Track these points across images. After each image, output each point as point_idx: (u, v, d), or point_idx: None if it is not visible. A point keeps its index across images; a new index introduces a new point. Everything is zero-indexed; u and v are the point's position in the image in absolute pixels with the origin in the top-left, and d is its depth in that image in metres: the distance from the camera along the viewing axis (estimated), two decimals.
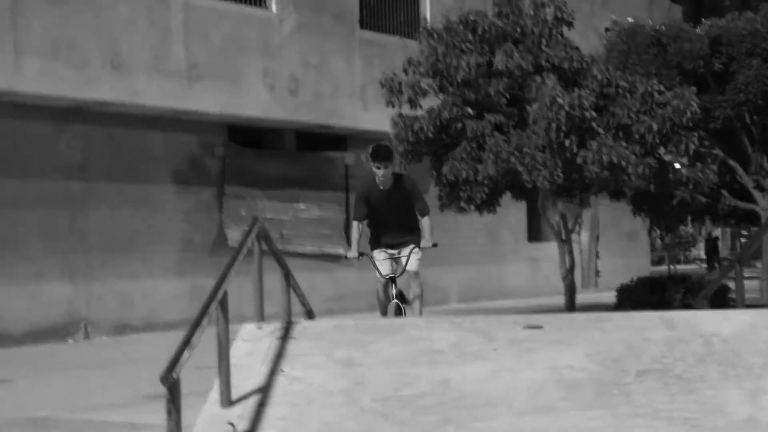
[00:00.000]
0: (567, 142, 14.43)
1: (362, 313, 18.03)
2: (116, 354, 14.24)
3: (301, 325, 7.51)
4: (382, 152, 9.49)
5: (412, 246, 9.67)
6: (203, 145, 18.59)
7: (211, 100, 17.56)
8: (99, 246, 16.66)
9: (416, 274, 9.78)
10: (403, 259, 9.65)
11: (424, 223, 9.70)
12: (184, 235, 18.10)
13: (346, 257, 9.95)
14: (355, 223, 9.76)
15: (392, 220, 9.68)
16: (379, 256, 9.72)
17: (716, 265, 40.90)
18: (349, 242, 10.02)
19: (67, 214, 16.33)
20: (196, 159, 18.47)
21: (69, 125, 16.39)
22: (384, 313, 9.65)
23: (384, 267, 9.68)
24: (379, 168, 9.40)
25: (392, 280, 9.61)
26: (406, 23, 22.06)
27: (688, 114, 14.86)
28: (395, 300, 9.53)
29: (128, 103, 16.47)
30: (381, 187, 9.51)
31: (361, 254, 9.62)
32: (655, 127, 14.75)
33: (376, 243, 9.82)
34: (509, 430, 5.91)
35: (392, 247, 9.73)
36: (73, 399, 9.76)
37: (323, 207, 20.54)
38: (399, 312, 9.52)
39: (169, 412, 5.34)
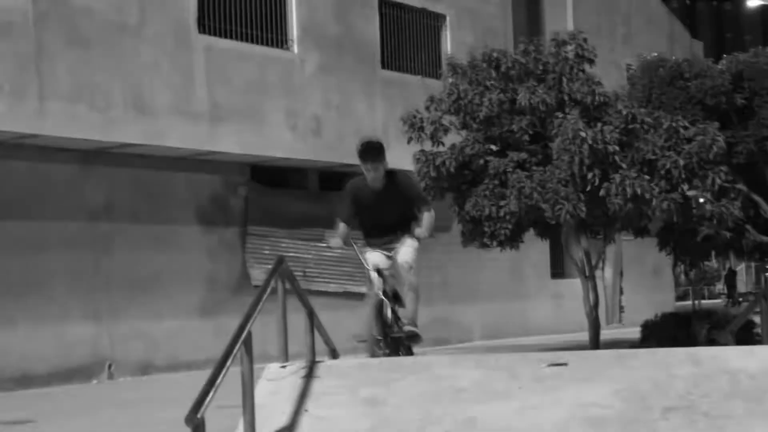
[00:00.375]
0: (590, 176, 14.42)
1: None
2: (140, 394, 14.25)
3: (325, 364, 7.52)
4: (372, 150, 8.50)
5: (405, 237, 8.67)
6: (227, 185, 18.68)
7: (233, 141, 17.66)
8: (123, 286, 16.72)
9: (410, 267, 8.61)
10: (398, 252, 8.59)
11: (425, 216, 8.70)
12: (208, 275, 18.15)
13: (328, 246, 8.90)
14: (341, 225, 8.74)
15: (385, 223, 8.68)
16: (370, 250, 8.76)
17: (733, 298, 40.82)
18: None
19: (92, 255, 16.41)
20: (219, 199, 18.56)
21: (93, 167, 16.51)
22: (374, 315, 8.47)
23: (373, 257, 8.64)
24: (369, 170, 8.45)
25: (380, 272, 8.51)
26: (427, 63, 22.19)
27: (714, 149, 14.84)
28: (380, 295, 8.45)
29: (152, 145, 16.59)
30: (372, 188, 8.55)
31: (346, 243, 8.65)
32: (681, 162, 14.71)
33: (366, 246, 8.87)
34: None
35: (386, 249, 8.72)
36: None
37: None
38: (380, 308, 8.46)
39: None
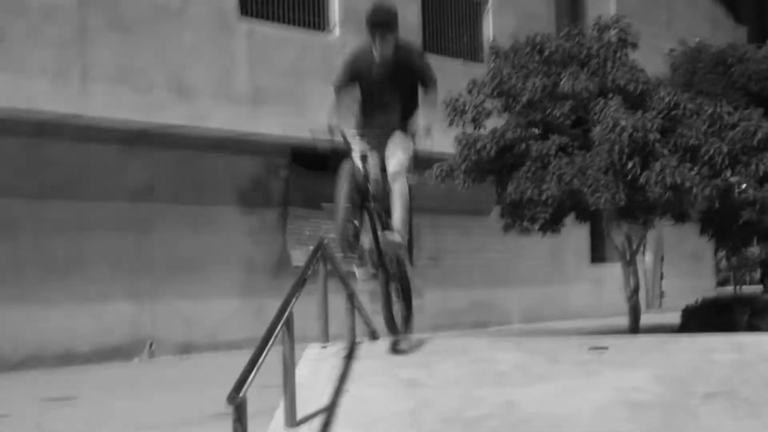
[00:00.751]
0: (629, 164, 14.34)
1: (425, 333, 18.02)
2: (181, 374, 14.39)
3: (366, 345, 7.55)
4: (384, 17, 7.25)
5: (399, 133, 7.35)
6: (267, 167, 18.76)
7: (275, 123, 17.72)
8: (164, 267, 16.87)
9: (398, 174, 7.24)
10: (390, 156, 7.30)
11: (428, 100, 7.36)
12: (249, 256, 18.25)
13: (314, 139, 7.30)
14: (332, 96, 7.43)
15: (384, 105, 7.42)
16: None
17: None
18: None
19: (133, 235, 16.56)
20: (260, 181, 18.64)
21: (135, 148, 16.64)
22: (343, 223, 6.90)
23: (362, 146, 7.41)
24: (378, 42, 7.17)
25: (365, 158, 7.27)
26: (468, 46, 22.13)
27: (759, 135, 14.73)
28: (358, 160, 7.18)
29: (193, 127, 16.70)
30: (377, 62, 7.26)
31: (331, 127, 7.24)
32: (725, 148, 14.60)
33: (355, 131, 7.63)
34: None
35: (376, 137, 7.45)
36: (139, 417, 9.88)
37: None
38: (355, 176, 7.13)
39: (239, 419, 5.39)
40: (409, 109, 7.39)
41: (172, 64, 16.33)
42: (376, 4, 7.43)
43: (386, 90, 7.32)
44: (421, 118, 7.30)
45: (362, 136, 7.50)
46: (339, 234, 6.87)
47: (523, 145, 15.34)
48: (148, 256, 16.73)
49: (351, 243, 7.02)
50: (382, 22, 7.20)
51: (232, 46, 17.30)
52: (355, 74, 7.36)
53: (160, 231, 16.91)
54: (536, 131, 15.52)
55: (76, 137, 15.83)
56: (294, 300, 6.45)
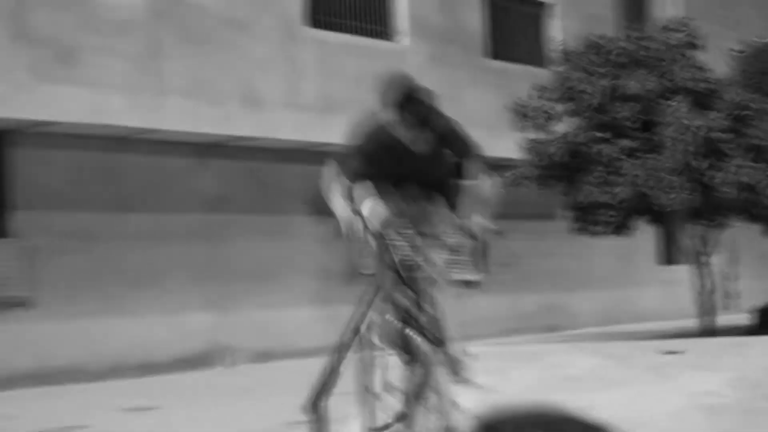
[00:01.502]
0: (699, 165, 14.30)
1: (497, 338, 18.08)
2: (259, 381, 14.57)
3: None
4: (410, 92, 5.60)
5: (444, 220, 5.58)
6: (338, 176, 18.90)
7: (344, 132, 17.85)
8: (239, 276, 17.12)
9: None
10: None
11: (476, 174, 5.60)
12: (321, 264, 18.41)
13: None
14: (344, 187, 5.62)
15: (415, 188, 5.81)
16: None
17: None
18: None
19: (208, 245, 16.84)
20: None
21: (208, 160, 16.93)
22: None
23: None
24: (410, 129, 5.58)
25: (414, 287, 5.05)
26: (531, 52, 22.16)
27: None
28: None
29: (264, 138, 16.95)
30: (408, 145, 5.78)
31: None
32: None
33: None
34: None
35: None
36: (222, 424, 10.07)
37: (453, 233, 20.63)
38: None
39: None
40: (446, 182, 6.05)
41: (243, 75, 16.61)
42: (395, 77, 5.88)
43: (425, 177, 5.87)
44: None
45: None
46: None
47: (593, 149, 15.35)
48: (223, 266, 16.99)
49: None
50: (412, 100, 5.68)
51: (301, 56, 17.54)
52: (376, 158, 5.77)
53: (234, 240, 17.17)
54: (604, 135, 15.52)
55: (151, 150, 16.16)
56: (369, 306, 6.56)
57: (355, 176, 5.80)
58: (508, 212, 20.46)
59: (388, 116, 5.62)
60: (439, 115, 5.82)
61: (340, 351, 6.89)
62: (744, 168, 14.11)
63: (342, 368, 6.40)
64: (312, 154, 18.21)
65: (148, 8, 15.54)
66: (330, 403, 5.51)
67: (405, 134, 5.64)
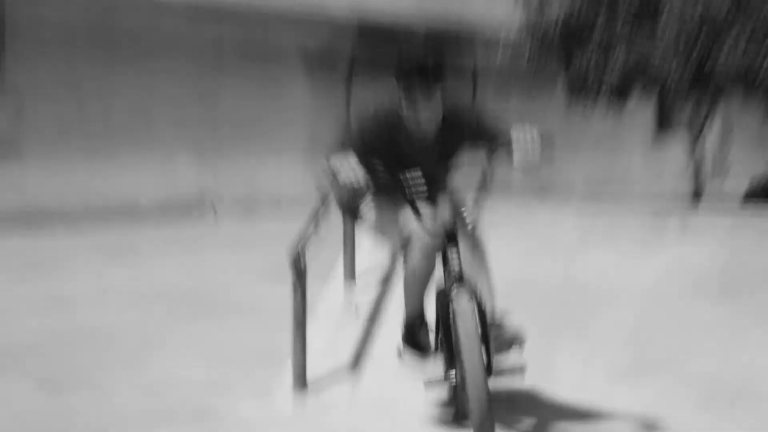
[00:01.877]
0: (701, 34, 14.14)
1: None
2: (244, 232, 14.51)
3: None
4: (427, 70, 4.94)
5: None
6: (333, 37, 18.68)
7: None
8: (228, 126, 17.05)
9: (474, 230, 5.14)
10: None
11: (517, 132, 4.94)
12: (313, 117, 18.32)
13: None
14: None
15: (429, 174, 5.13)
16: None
17: None
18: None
19: (199, 97, 16.72)
20: (325, 49, 18.57)
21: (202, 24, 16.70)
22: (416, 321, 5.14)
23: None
24: (419, 105, 4.95)
25: (452, 238, 4.85)
26: None
27: None
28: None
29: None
30: (417, 131, 5.09)
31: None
32: None
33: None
34: (634, 320, 5.95)
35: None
36: (207, 273, 10.06)
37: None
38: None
39: (298, 274, 5.47)
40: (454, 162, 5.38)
41: None
42: (405, 49, 4.96)
43: (434, 159, 5.20)
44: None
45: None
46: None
47: (592, 16, 15.12)
48: (214, 115, 16.91)
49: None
50: (424, 75, 4.94)
51: None
52: (382, 144, 5.09)
53: (226, 94, 17.06)
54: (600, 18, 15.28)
55: (148, 14, 15.93)
56: None
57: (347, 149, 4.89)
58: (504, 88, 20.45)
59: (398, 96, 4.98)
60: (462, 108, 5.19)
61: (319, 207, 6.86)
62: (746, 33, 13.92)
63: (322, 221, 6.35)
64: (308, 16, 18.03)
65: None
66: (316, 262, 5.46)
67: (412, 117, 4.97)
